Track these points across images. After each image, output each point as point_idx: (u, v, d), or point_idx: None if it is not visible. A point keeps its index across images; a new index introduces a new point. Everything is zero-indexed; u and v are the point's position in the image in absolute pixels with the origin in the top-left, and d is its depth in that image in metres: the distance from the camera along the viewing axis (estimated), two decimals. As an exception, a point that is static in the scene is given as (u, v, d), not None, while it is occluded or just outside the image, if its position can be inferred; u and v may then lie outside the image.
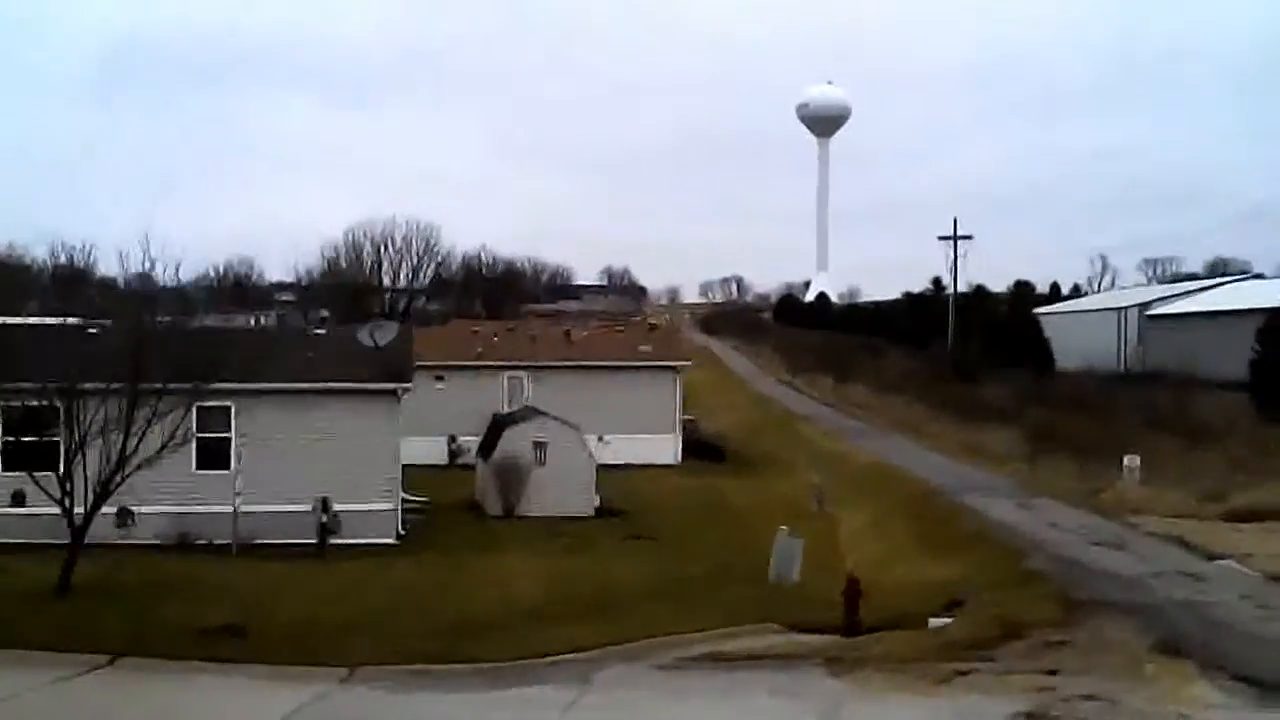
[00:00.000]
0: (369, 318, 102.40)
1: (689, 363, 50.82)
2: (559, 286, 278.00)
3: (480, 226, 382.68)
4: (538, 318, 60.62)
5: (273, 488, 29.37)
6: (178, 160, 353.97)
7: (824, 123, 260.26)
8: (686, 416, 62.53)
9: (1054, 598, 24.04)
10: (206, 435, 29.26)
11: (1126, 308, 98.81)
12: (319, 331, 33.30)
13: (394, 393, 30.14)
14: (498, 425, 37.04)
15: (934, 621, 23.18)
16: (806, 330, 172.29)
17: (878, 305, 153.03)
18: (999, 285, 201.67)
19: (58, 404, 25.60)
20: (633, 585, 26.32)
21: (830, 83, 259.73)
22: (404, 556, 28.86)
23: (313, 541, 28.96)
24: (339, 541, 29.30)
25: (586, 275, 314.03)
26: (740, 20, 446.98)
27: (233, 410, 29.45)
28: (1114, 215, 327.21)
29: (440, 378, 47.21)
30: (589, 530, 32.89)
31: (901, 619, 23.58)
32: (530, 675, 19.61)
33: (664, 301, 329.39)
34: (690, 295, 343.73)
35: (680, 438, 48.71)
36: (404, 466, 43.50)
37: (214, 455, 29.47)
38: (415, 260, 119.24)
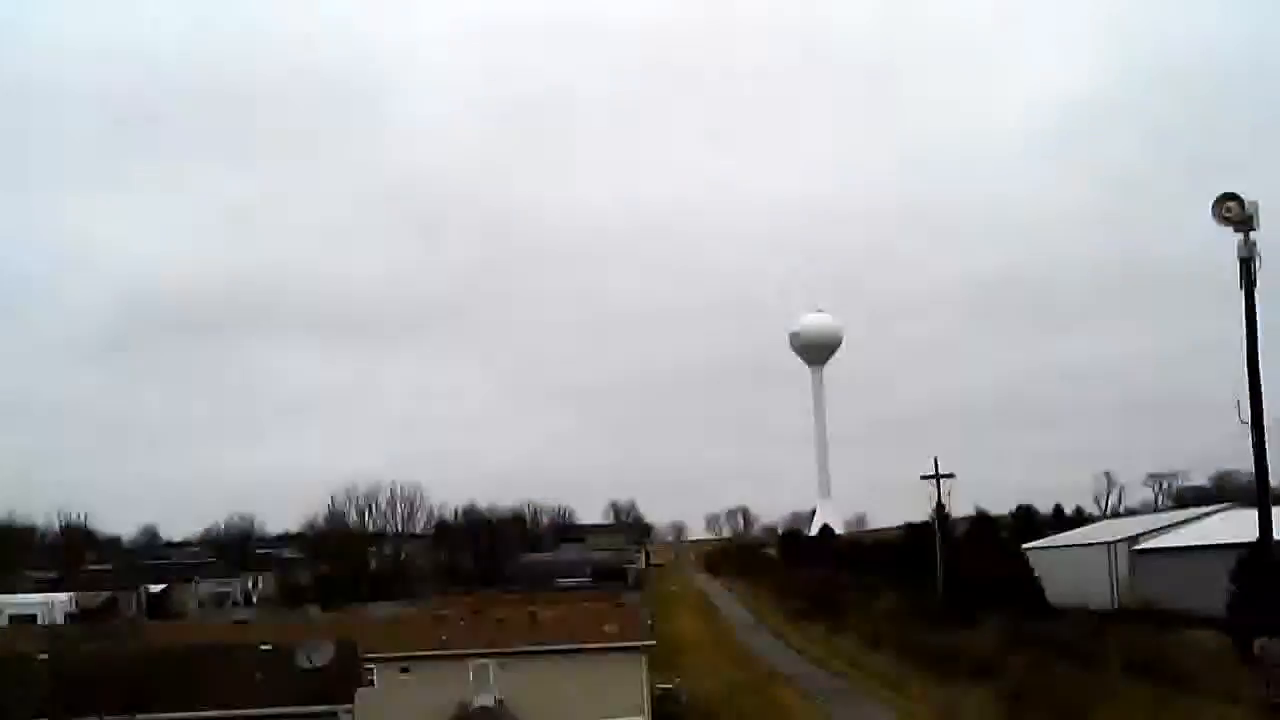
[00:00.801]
0: (361, 572, 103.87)
1: (652, 643, 51.16)
2: (562, 527, 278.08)
3: (481, 471, 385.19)
4: (506, 599, 60.85)
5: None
6: (182, 415, 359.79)
7: (816, 350, 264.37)
8: (665, 685, 62.54)
9: None
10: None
11: (1115, 542, 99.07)
12: (265, 647, 33.77)
13: (334, 714, 30.67)
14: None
15: None
16: (809, 567, 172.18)
17: (876, 541, 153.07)
18: (1002, 507, 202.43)
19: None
20: None
21: (820, 310, 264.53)
22: None
23: None
24: None
25: (591, 513, 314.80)
26: (732, 250, 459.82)
27: (180, 736, 30.05)
28: (1118, 428, 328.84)
29: (405, 669, 47.67)
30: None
31: None
32: None
33: (670, 538, 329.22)
34: (697, 528, 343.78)
35: (648, 718, 48.67)
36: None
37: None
38: (400, 522, 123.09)
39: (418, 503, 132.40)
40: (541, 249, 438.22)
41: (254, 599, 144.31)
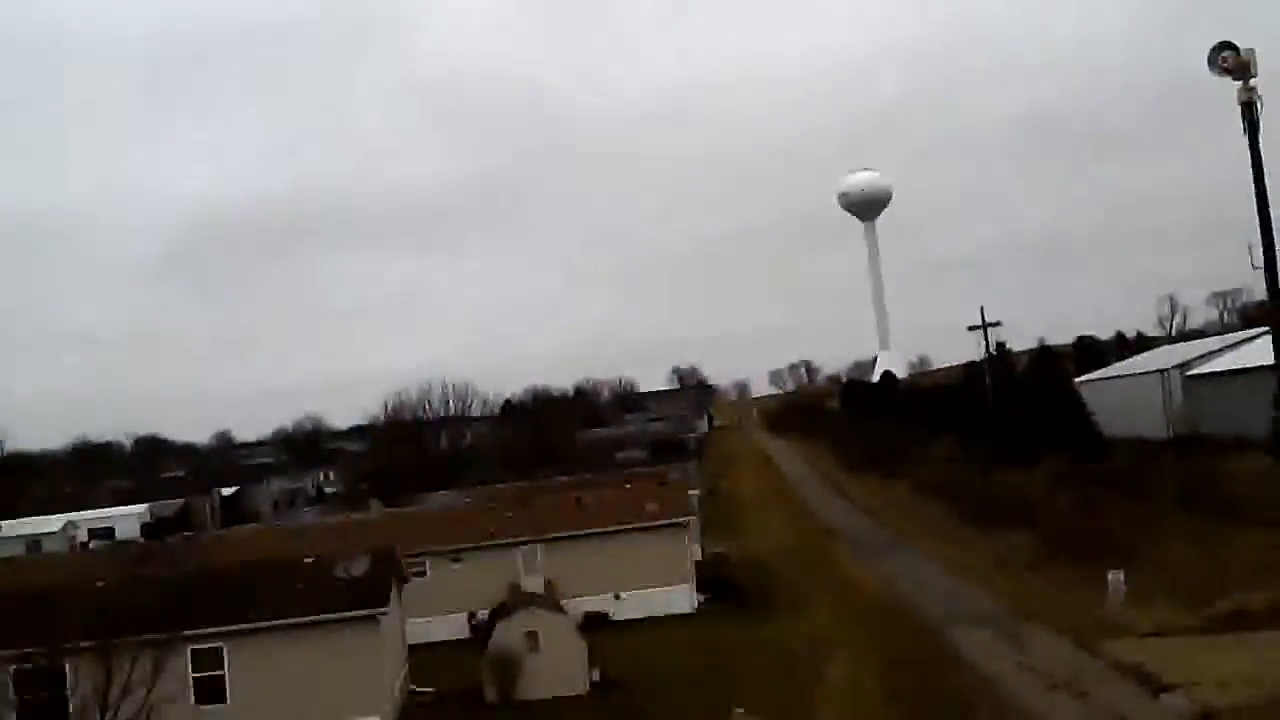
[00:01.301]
0: (424, 460, 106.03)
1: (693, 516, 52.44)
2: (624, 397, 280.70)
3: (545, 354, 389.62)
4: (554, 486, 62.22)
5: (269, 714, 31.36)
6: (250, 327, 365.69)
7: (865, 207, 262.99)
8: (717, 549, 64.07)
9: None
10: (202, 674, 31.49)
11: (1168, 370, 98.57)
12: (308, 560, 35.16)
13: (373, 618, 32.03)
14: (494, 616, 38.91)
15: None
16: (869, 417, 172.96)
17: (935, 384, 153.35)
18: (1065, 337, 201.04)
19: (62, 663, 28.41)
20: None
21: (868, 169, 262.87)
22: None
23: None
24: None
25: (655, 381, 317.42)
26: (776, 116, 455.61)
27: (224, 649, 31.56)
28: (1177, 252, 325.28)
29: (457, 559, 49.29)
30: (581, 713, 34.38)
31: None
32: None
33: (733, 397, 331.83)
34: (760, 386, 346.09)
35: (694, 586, 50.03)
36: (427, 646, 45.83)
37: (211, 691, 31.55)
38: (461, 408, 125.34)
39: (472, 391, 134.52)
40: (587, 130, 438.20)
41: (324, 492, 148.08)
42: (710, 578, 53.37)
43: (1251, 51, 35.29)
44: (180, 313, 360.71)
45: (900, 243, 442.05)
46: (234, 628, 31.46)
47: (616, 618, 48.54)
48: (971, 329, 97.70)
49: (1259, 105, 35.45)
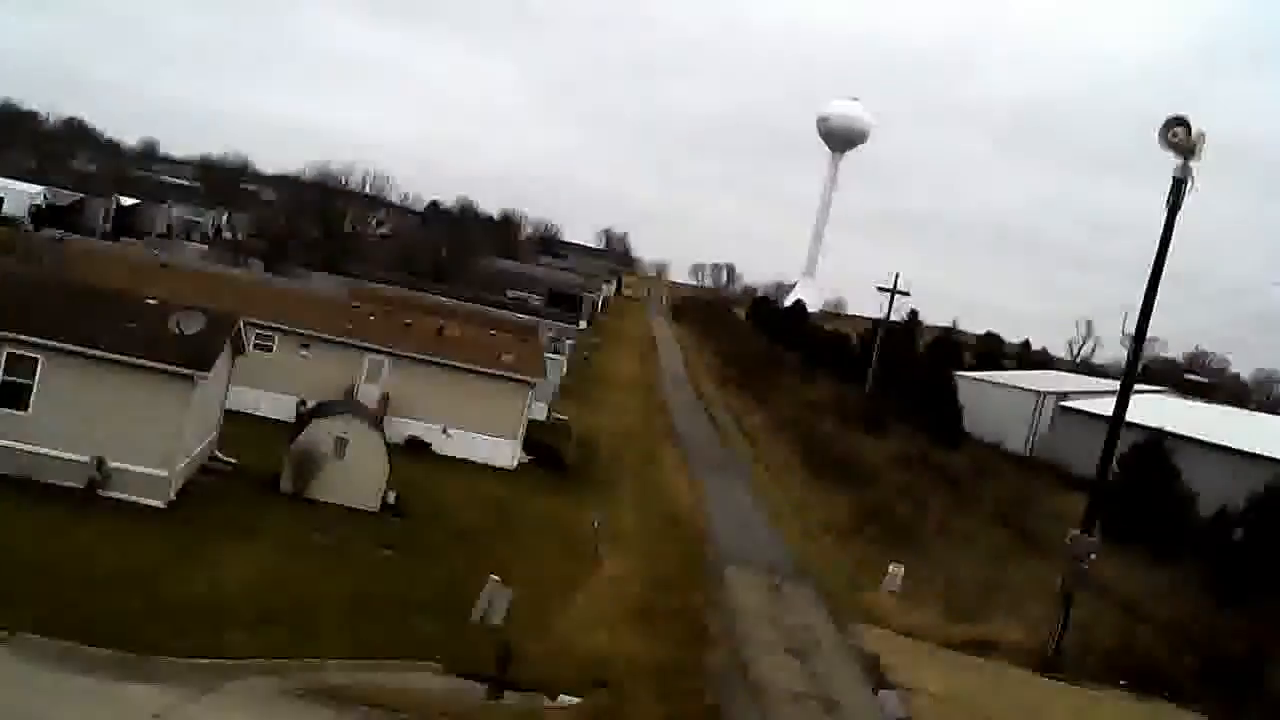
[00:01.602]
0: (329, 237, 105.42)
1: (542, 379, 53.16)
2: (547, 239, 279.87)
3: (485, 167, 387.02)
4: (429, 305, 62.51)
5: (63, 435, 31.91)
6: (210, 43, 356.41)
7: (841, 138, 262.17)
8: (563, 416, 65.33)
9: (690, 696, 26.98)
10: (11, 379, 31.90)
11: (1045, 393, 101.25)
12: (151, 301, 35.42)
13: (190, 379, 32.50)
14: (312, 412, 39.53)
15: (562, 698, 25.97)
16: (765, 338, 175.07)
17: (836, 333, 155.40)
18: (978, 325, 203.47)
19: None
20: (338, 598, 28.97)
21: (854, 99, 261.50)
22: (160, 523, 31.37)
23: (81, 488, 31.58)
24: (112, 495, 31.85)
25: (583, 235, 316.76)
26: (793, 26, 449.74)
27: (40, 361, 31.90)
28: (1118, 281, 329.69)
29: (306, 346, 49.75)
30: (357, 530, 35.36)
31: (548, 687, 26.40)
32: (162, 671, 22.31)
33: (652, 274, 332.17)
34: (681, 274, 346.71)
35: (520, 444, 51.17)
36: (253, 418, 46.61)
37: (14, 396, 31.96)
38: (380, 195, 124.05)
39: (391, 184, 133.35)
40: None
41: (220, 233, 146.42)
42: (542, 441, 54.69)
43: (1202, 135, 36.31)
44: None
45: (859, 188, 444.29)
46: (54, 343, 31.73)
47: (438, 451, 49.66)
48: (881, 290, 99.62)
49: (1189, 185, 36.59)
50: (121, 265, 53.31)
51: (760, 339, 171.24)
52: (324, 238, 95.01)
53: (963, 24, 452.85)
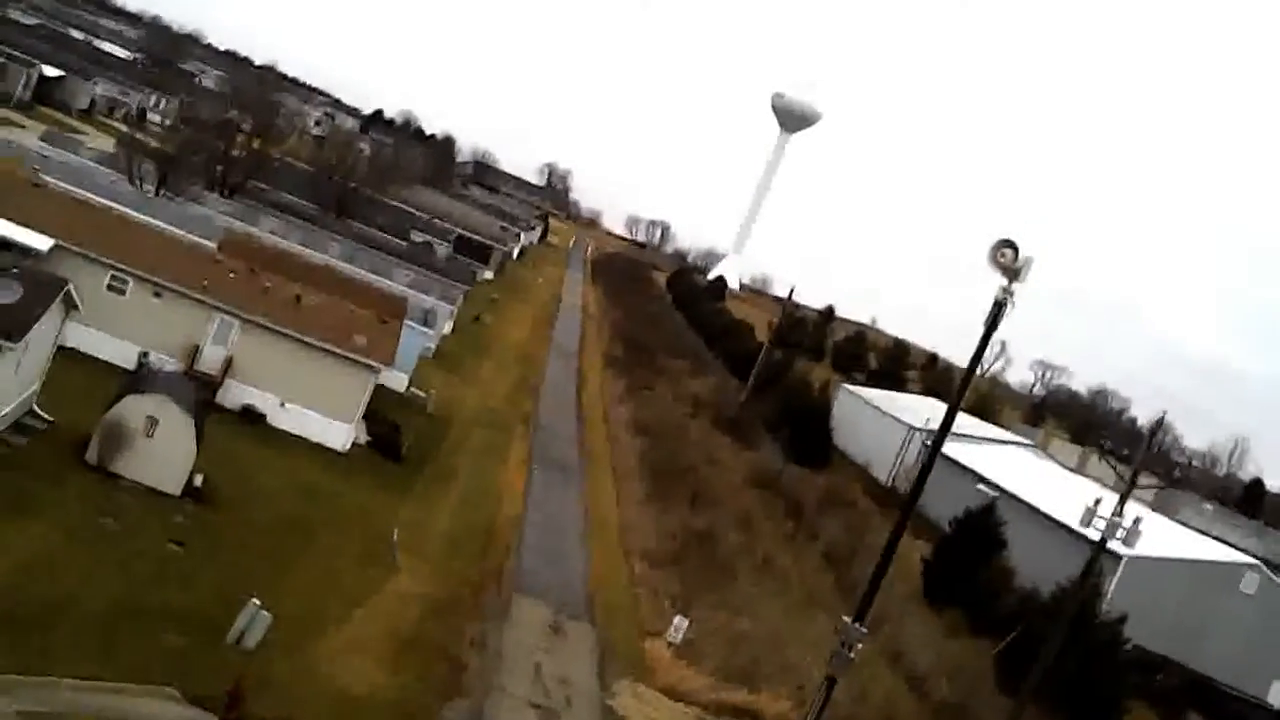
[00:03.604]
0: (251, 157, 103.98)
1: (387, 367, 53.58)
2: (482, 167, 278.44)
3: (431, 85, 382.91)
4: (300, 265, 62.35)
5: None
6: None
7: (793, 117, 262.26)
8: (421, 393, 65.86)
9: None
10: None
11: (917, 429, 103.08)
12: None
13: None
14: (131, 384, 39.70)
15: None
16: (679, 312, 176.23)
17: (742, 321, 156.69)
18: (898, 325, 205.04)
19: None
20: (100, 600, 29.55)
21: (813, 82, 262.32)
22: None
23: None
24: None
25: (526, 167, 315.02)
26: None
27: None
28: (1049, 303, 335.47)
29: (159, 294, 49.76)
30: (151, 516, 35.84)
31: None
32: None
33: (587, 220, 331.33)
34: (616, 222, 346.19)
35: (356, 428, 51.66)
36: (92, 360, 46.73)
37: None
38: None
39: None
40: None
41: (145, 115, 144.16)
42: (386, 421, 55.17)
43: (1030, 260, 37.48)
44: None
45: (811, 167, 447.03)
46: None
47: (273, 423, 50.05)
48: (777, 300, 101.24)
49: (1008, 307, 37.84)
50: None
51: (671, 314, 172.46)
52: (233, 156, 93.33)
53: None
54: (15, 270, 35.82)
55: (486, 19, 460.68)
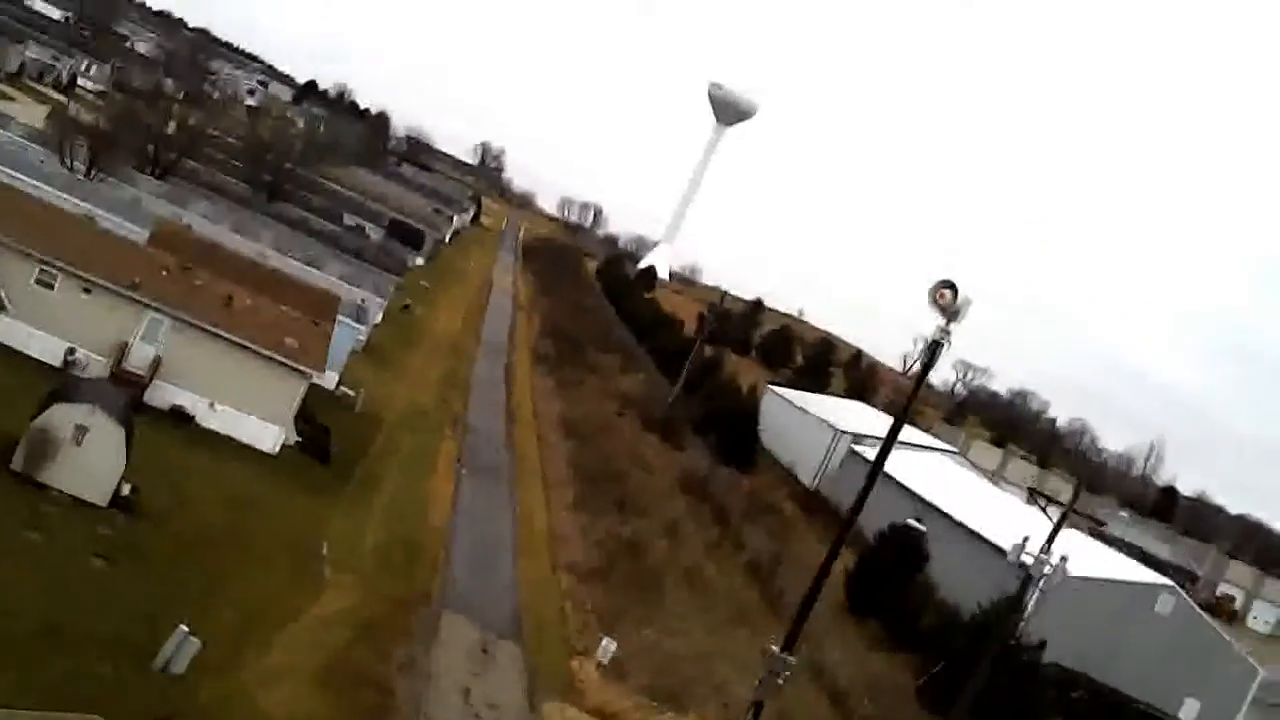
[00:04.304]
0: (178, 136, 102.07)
1: (318, 373, 53.02)
2: (415, 144, 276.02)
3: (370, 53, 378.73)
4: (229, 263, 61.42)
5: None
6: None
7: (729, 110, 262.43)
8: (350, 391, 65.27)
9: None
10: None
11: (842, 432, 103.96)
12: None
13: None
14: (59, 391, 38.92)
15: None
16: (608, 301, 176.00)
17: (670, 314, 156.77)
18: (824, 317, 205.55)
19: None
20: (23, 620, 28.91)
21: (750, 73, 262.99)
22: None
23: None
24: None
25: (460, 144, 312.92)
26: None
27: None
28: (973, 302, 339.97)
29: (88, 290, 48.85)
30: (76, 527, 35.25)
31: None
32: None
33: (519, 202, 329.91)
34: (549, 203, 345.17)
35: (286, 430, 51.09)
36: (18, 356, 45.82)
37: None
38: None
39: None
40: None
41: (75, 82, 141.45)
42: (314, 422, 54.58)
43: (968, 301, 37.92)
44: None
45: (746, 156, 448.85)
46: None
47: (202, 423, 49.41)
48: (710, 306, 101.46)
49: (944, 347, 38.30)
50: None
51: (601, 304, 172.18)
52: (166, 134, 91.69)
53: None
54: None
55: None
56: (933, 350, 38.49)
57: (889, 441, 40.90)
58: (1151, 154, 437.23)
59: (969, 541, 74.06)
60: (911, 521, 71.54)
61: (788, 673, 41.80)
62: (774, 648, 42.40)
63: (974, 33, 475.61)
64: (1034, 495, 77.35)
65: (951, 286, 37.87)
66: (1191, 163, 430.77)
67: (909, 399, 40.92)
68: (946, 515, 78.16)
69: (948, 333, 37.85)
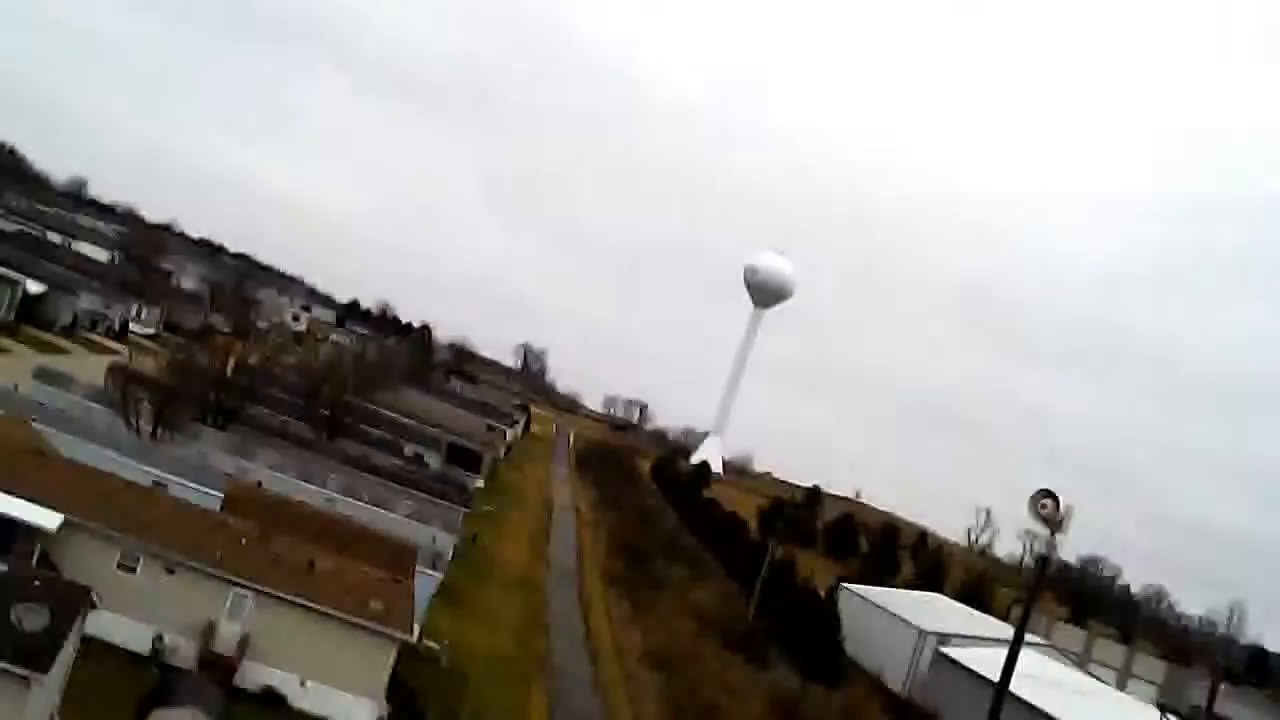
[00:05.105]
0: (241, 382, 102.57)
1: (410, 638, 51.04)
2: (462, 354, 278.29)
3: (408, 264, 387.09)
4: (305, 518, 60.39)
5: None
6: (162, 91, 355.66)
7: (766, 292, 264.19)
8: (432, 645, 63.08)
9: None
10: None
11: (926, 632, 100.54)
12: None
13: (26, 679, 30.37)
14: (156, 694, 37.15)
15: None
16: (667, 502, 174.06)
17: (731, 514, 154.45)
18: (882, 496, 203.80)
19: None
20: None
21: (781, 253, 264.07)
22: None
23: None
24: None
25: (501, 348, 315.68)
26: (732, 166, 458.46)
27: None
28: (1027, 473, 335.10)
29: (170, 570, 47.47)
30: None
31: None
32: None
33: (563, 403, 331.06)
34: (594, 402, 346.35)
35: (380, 703, 48.90)
36: (103, 646, 44.08)
37: None
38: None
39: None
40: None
41: (127, 328, 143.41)
42: (406, 687, 52.31)
43: (1070, 509, 36.11)
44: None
45: (786, 335, 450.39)
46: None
47: (294, 704, 47.33)
48: (762, 511, 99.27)
49: (1054, 555, 36.71)
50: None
51: (661, 507, 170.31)
52: (225, 379, 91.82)
53: (915, 199, 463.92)
54: (37, 582, 33.62)
55: (451, 198, 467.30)
56: (1042, 564, 37.03)
57: (1009, 667, 38.73)
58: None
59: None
60: None
61: None
62: None
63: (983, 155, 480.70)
64: (1164, 712, 74.01)
65: (1052, 496, 36.31)
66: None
67: (1021, 620, 38.41)
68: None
69: (1054, 545, 36.18)
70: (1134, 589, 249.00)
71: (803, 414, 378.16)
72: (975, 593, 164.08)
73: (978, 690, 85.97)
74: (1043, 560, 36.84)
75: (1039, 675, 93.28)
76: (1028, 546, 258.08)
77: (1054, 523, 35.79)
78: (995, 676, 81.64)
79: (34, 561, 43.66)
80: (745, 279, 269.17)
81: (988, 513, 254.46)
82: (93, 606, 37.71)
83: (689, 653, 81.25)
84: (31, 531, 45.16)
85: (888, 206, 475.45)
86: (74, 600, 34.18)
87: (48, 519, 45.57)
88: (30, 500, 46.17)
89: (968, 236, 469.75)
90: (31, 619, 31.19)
